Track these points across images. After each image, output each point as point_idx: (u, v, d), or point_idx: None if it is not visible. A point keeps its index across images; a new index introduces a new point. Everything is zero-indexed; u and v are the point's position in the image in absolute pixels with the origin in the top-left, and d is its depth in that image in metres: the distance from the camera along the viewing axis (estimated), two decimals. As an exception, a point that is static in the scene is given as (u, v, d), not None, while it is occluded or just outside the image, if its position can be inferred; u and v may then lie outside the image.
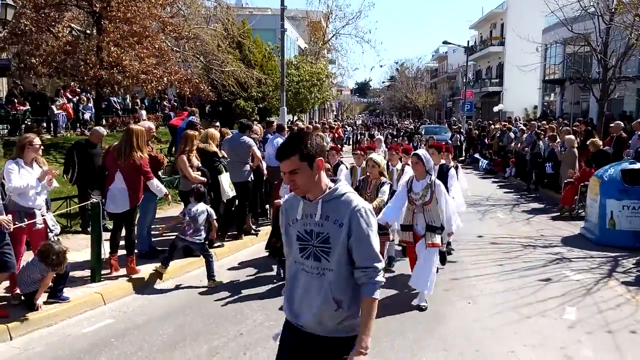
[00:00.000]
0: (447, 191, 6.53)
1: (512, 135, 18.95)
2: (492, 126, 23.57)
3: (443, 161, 7.50)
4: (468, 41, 41.29)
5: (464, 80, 38.71)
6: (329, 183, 2.63)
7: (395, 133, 31.92)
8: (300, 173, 2.52)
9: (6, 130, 14.87)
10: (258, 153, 9.08)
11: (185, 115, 12.91)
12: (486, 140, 22.57)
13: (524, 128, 18.46)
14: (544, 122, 20.46)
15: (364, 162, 7.59)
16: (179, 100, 24.64)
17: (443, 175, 6.97)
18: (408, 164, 8.38)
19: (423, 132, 27.31)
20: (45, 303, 5.58)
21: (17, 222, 5.44)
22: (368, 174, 6.43)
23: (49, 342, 5.06)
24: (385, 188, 6.42)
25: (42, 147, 6.04)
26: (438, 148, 7.54)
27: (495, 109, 38.56)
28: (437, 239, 5.97)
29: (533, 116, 33.09)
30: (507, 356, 4.84)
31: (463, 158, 23.87)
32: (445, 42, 39.17)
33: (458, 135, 24.51)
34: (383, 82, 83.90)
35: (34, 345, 4.99)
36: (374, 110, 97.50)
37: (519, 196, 14.63)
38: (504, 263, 7.81)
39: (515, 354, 4.87)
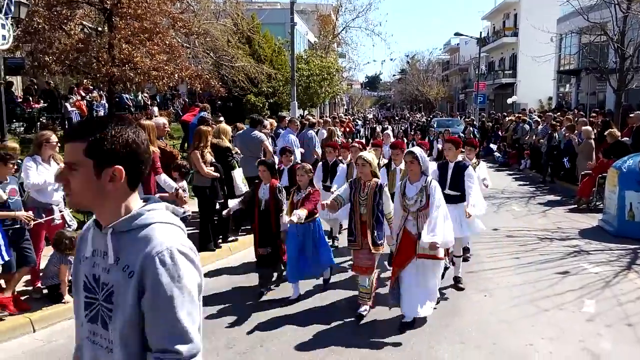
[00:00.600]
0: (465, 197, 6.01)
1: (526, 127, 18.73)
2: (506, 118, 23.34)
3: (460, 158, 6.52)
4: (480, 32, 40.91)
5: (477, 72, 38.36)
6: (133, 204, 1.69)
7: (407, 127, 31.12)
8: (79, 173, 1.61)
9: (22, 128, 15.03)
10: (270, 148, 9.07)
11: (196, 111, 12.95)
12: (500, 133, 22.35)
13: (539, 120, 18.24)
14: (559, 113, 20.21)
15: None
16: (189, 96, 24.70)
17: (459, 174, 6.14)
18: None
19: (435, 125, 27.09)
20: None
21: (36, 218, 5.50)
22: (359, 174, 5.53)
23: (70, 335, 5.09)
24: (387, 195, 5.45)
25: (58, 144, 6.10)
26: (455, 143, 6.41)
27: (509, 100, 38.17)
28: (439, 251, 5.19)
29: (548, 108, 32.72)
30: (525, 349, 4.79)
31: (477, 151, 23.75)
32: (457, 34, 38.84)
33: (471, 128, 24.30)
34: (394, 75, 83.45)
35: (57, 338, 5.07)
36: (384, 103, 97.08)
37: (534, 188, 14.48)
38: (520, 256, 7.72)
39: (533, 347, 4.81)
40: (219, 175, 7.61)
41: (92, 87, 19.11)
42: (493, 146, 21.54)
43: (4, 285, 5.48)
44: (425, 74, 65.12)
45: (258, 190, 6.26)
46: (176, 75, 14.55)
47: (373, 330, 5.26)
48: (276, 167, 9.39)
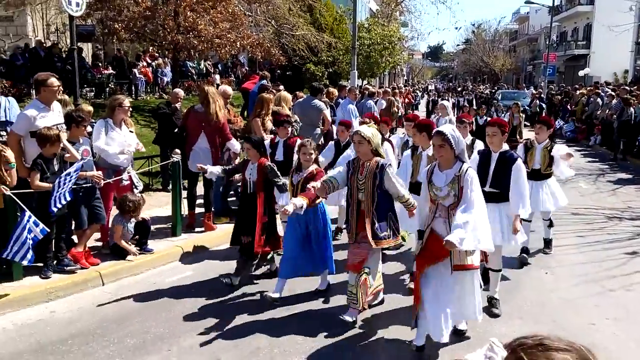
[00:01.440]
0: (510, 195, 4.84)
1: (599, 101, 17.72)
2: (577, 92, 22.15)
3: (505, 147, 5.11)
4: (553, 0, 38.69)
5: (547, 42, 36.43)
6: None
7: (472, 98, 29.70)
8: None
9: (92, 93, 15.73)
10: (329, 117, 9.05)
11: (256, 80, 13.06)
12: (569, 107, 21.28)
13: (613, 94, 17.20)
14: (636, 87, 18.96)
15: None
16: (249, 65, 24.94)
17: (505, 168, 4.88)
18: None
19: (500, 98, 26.10)
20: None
21: (105, 178, 5.78)
22: (357, 152, 4.59)
23: (137, 289, 5.42)
24: (395, 177, 4.51)
25: (130, 109, 6.38)
26: (502, 126, 5.07)
27: (581, 73, 36.14)
28: (471, 259, 4.04)
29: (623, 81, 30.76)
30: (587, 328, 4.64)
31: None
32: (527, 2, 36.81)
33: (538, 101, 23.26)
34: (457, 46, 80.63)
35: (124, 292, 5.36)
36: (446, 75, 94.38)
37: (604, 166, 13.76)
38: (586, 235, 7.42)
39: (595, 327, 4.65)
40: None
41: (157, 55, 19.65)
42: (561, 121, 20.56)
43: (76, 241, 5.82)
44: (492, 44, 62.59)
45: (245, 170, 5.48)
46: (238, 43, 14.72)
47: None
48: (334, 137, 9.40)
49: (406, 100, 22.75)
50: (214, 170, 5.57)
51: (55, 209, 5.10)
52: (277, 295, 4.94)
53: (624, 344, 4.38)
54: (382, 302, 5.07)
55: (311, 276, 5.39)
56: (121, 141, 6.08)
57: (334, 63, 22.63)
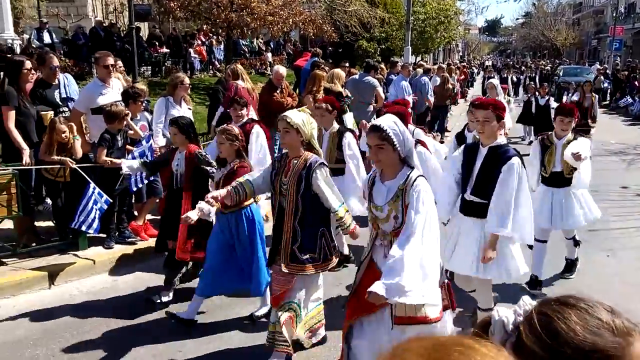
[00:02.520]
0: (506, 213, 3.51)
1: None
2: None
3: (501, 140, 3.78)
4: (621, -31, 36.37)
5: (614, 14, 34.38)
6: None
7: (536, 76, 26.66)
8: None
9: (149, 72, 16.16)
10: (382, 94, 8.94)
11: (308, 57, 13.02)
12: (636, 83, 20.09)
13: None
14: None
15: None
16: (301, 42, 24.88)
17: (494, 169, 3.61)
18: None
19: (561, 74, 24.94)
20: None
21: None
22: (282, 144, 3.64)
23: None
24: (326, 182, 3.43)
25: (190, 87, 6.52)
26: (497, 108, 3.71)
27: (650, 46, 33.98)
28: (424, 309, 2.91)
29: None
30: (652, 315, 4.43)
31: (608, 102, 21.68)
32: (593, -29, 34.80)
33: (602, 78, 22.10)
34: (517, 19, 77.50)
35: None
36: (504, 50, 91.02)
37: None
38: (653, 217, 7.07)
39: (661, 314, 4.44)
40: None
41: (211, 33, 19.91)
42: (628, 99, 19.46)
43: (137, 214, 6.05)
44: (554, 17, 59.68)
45: (172, 161, 4.56)
46: (290, 20, 14.70)
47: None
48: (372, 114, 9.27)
49: (462, 76, 22.08)
50: (132, 164, 4.70)
51: (135, 189, 5.39)
52: (189, 318, 4.05)
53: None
54: (324, 340, 3.89)
55: (249, 297, 4.36)
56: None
57: (387, 39, 22.19)
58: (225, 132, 4.02)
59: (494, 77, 20.98)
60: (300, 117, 3.45)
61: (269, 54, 21.19)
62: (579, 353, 0.94)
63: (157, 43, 16.85)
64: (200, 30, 19.58)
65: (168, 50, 17.16)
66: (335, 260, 3.59)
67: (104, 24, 16.26)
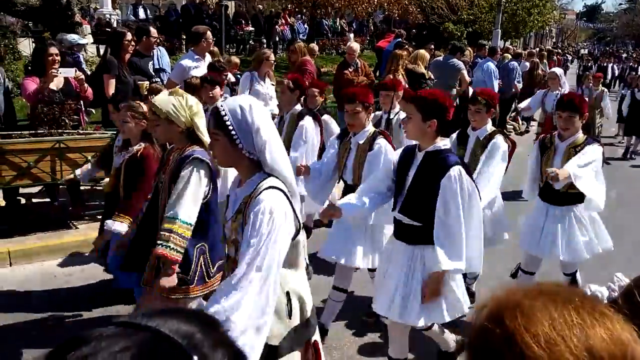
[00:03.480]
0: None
1: None
2: None
3: (442, 144, 2.92)
4: None
5: None
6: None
7: (635, 66, 25.20)
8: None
9: (233, 50, 16.63)
10: (467, 77, 8.69)
11: (391, 38, 12.86)
12: None
13: None
14: None
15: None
16: (385, 23, 24.56)
17: (432, 181, 2.82)
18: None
19: (665, 64, 23.00)
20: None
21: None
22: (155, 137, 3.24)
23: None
24: (189, 179, 2.67)
25: (275, 63, 6.69)
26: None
27: None
28: None
29: None
30: None
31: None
32: None
33: None
34: (620, 5, 72.09)
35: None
36: (602, 37, 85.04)
37: None
38: None
39: None
40: None
41: (296, 12, 20.12)
42: None
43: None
44: (662, 3, 54.91)
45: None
46: (375, 0, 14.57)
47: None
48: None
49: (555, 63, 20.91)
50: (83, 171, 4.16)
51: None
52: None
53: None
54: None
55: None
56: (264, 93, 6.40)
57: (475, 22, 21.44)
58: (131, 109, 3.42)
59: (590, 67, 19.68)
60: (170, 102, 2.76)
61: (352, 35, 21.11)
62: None
63: (242, 21, 17.28)
64: (285, 9, 19.84)
65: (253, 29, 17.56)
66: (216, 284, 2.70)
67: (195, 2, 16.88)
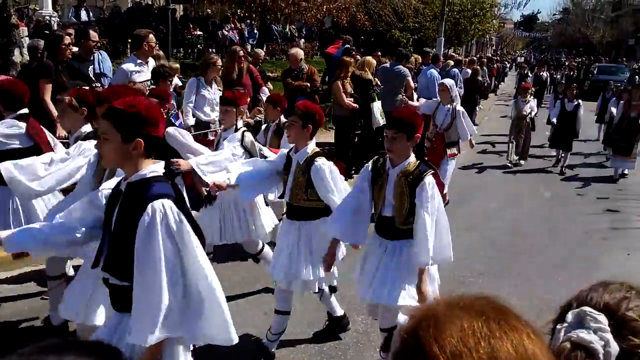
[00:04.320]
0: None
1: None
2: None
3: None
4: (667, -34, 35.14)
5: (655, 13, 33.33)
6: None
7: (571, 74, 23.52)
8: None
9: (181, 54, 16.40)
10: (412, 84, 8.95)
11: (340, 44, 13.07)
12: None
13: None
14: None
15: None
16: (334, 30, 24.85)
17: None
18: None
19: (595, 72, 24.41)
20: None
21: (193, 132, 6.13)
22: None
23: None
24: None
25: (222, 68, 6.65)
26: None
27: (692, 48, 32.92)
28: None
29: None
30: (669, 314, 4.45)
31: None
32: (636, -32, 33.74)
33: (637, 77, 21.57)
34: (554, 15, 75.75)
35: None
36: (538, 46, 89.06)
37: None
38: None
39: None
40: (357, 106, 7.74)
41: (244, 16, 20.05)
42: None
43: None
44: (592, 14, 58.17)
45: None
46: (324, 7, 14.77)
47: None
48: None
49: (494, 71, 21.79)
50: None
51: None
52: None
53: None
54: None
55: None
56: (210, 99, 6.38)
57: (420, 29, 22.05)
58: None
59: (527, 74, 20.29)
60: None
61: (301, 41, 21.25)
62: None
63: (191, 25, 17.08)
64: (234, 14, 19.75)
65: (201, 33, 17.38)
66: None
67: (141, 4, 16.55)
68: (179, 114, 6.05)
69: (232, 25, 18.67)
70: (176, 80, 6.80)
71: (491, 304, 0.79)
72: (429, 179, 3.04)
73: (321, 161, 3.36)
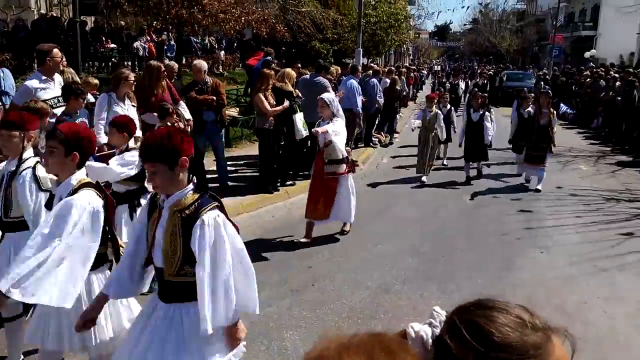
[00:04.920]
0: None
1: (602, 83, 17.63)
2: (583, 73, 21.99)
3: None
4: (561, -20, 38.10)
5: (554, 23, 36.02)
6: None
7: (485, 83, 23.64)
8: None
9: (94, 68, 15.71)
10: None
11: (261, 56, 13.02)
12: (574, 89, 21.15)
13: (617, 76, 17.08)
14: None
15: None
16: (254, 41, 24.79)
17: None
18: None
19: (504, 79, 25.90)
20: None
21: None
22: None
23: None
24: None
25: (135, 83, 6.36)
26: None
27: (587, 54, 35.82)
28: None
29: (628, 63, 30.51)
30: (579, 306, 4.74)
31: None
32: (535, -19, 36.30)
33: (542, 83, 23.11)
34: (464, 25, 79.93)
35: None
36: (452, 55, 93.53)
37: (605, 148, 13.78)
38: (583, 215, 7.50)
39: (587, 305, 4.76)
40: (286, 106, 7.72)
41: (161, 28, 19.54)
42: (563, 105, 20.42)
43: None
44: (499, 24, 61.90)
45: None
46: (243, 19, 14.64)
47: (426, 276, 5.31)
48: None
49: (411, 80, 22.53)
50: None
51: None
52: None
53: (613, 322, 4.48)
54: None
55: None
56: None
57: (340, 41, 22.45)
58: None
59: (444, 83, 20.95)
60: None
61: (222, 52, 21.01)
62: (512, 352, 0.93)
63: (103, 38, 16.42)
64: (150, 26, 19.18)
65: (115, 46, 16.74)
66: None
67: (48, 17, 15.69)
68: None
69: (148, 38, 18.16)
70: (89, 97, 6.46)
71: (381, 344, 0.80)
72: (210, 216, 2.38)
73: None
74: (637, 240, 6.49)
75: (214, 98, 7.43)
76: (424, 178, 9.18)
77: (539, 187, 8.71)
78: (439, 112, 9.33)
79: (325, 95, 6.29)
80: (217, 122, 7.62)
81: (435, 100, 9.66)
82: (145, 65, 7.09)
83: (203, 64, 7.74)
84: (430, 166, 9.39)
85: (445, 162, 10.71)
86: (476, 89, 15.71)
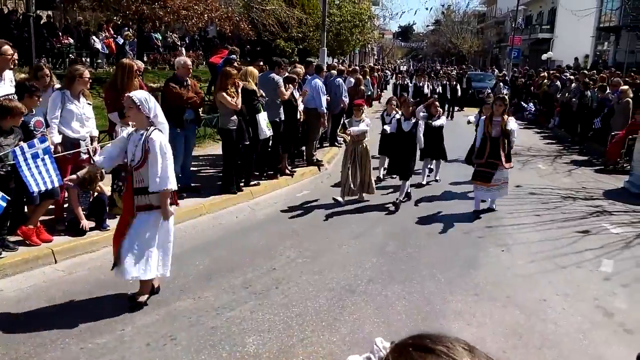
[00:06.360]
0: None
1: (558, 84, 18.15)
2: (540, 74, 22.57)
3: None
4: (520, -17, 39.02)
5: (513, 25, 36.89)
6: None
7: (456, 84, 21.07)
8: None
9: (51, 64, 15.17)
10: (283, 90, 8.91)
11: (225, 54, 12.85)
12: (532, 90, 21.71)
13: (572, 78, 17.61)
14: (594, 71, 19.45)
15: None
16: (219, 39, 24.48)
17: None
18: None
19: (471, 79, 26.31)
20: (90, 229, 5.85)
21: (60, 151, 5.61)
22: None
23: (91, 267, 5.31)
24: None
25: (90, 80, 6.13)
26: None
27: (544, 56, 36.83)
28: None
29: (583, 66, 31.54)
30: (539, 304, 4.83)
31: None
32: (495, -16, 37.08)
33: (502, 84, 23.61)
34: (427, 26, 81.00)
35: (77, 269, 5.24)
36: (416, 55, 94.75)
37: (562, 148, 14.18)
38: (542, 213, 7.67)
39: (546, 303, 4.85)
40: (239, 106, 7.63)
41: (120, 24, 19.06)
42: (525, 104, 20.93)
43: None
44: (460, 26, 63.02)
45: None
46: (205, 15, 14.43)
47: (390, 276, 5.33)
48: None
49: (375, 80, 22.65)
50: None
51: (36, 190, 4.95)
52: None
53: (572, 319, 4.58)
54: None
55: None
56: (79, 114, 5.88)
57: (304, 39, 22.39)
58: None
59: (407, 85, 20.72)
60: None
61: (184, 49, 20.64)
62: None
63: (60, 33, 15.89)
64: (109, 21, 18.67)
65: (72, 41, 16.22)
66: None
67: (2, 11, 15.07)
68: (46, 134, 5.49)
69: (107, 34, 17.70)
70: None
71: None
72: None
73: None
74: (594, 237, 6.69)
75: (195, 95, 7.40)
76: (362, 199, 8.08)
77: (494, 206, 7.70)
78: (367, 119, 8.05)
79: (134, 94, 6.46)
80: (195, 120, 7.67)
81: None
82: (117, 64, 6.86)
83: (189, 61, 7.65)
84: (366, 185, 8.03)
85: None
86: (405, 93, 13.64)
